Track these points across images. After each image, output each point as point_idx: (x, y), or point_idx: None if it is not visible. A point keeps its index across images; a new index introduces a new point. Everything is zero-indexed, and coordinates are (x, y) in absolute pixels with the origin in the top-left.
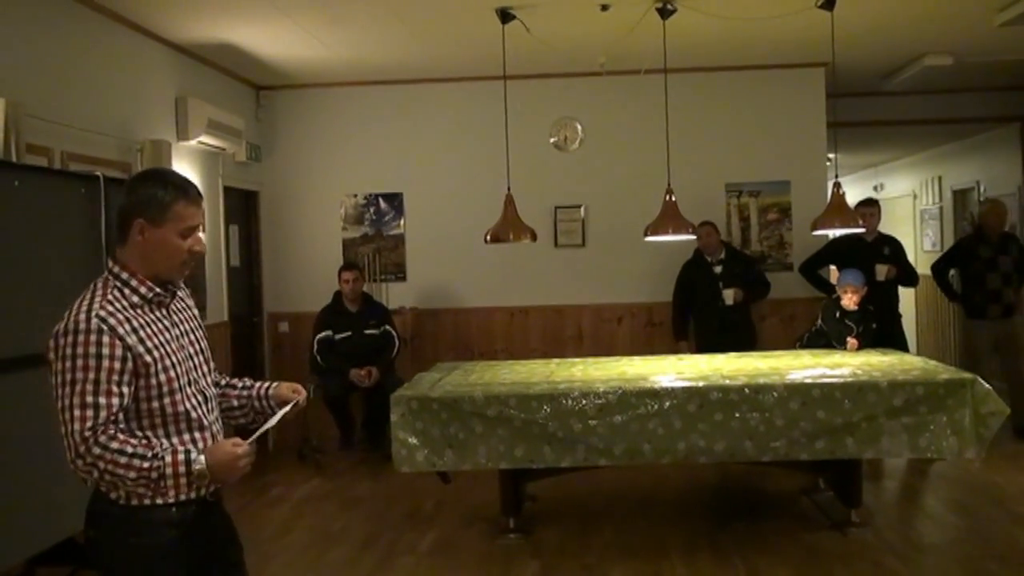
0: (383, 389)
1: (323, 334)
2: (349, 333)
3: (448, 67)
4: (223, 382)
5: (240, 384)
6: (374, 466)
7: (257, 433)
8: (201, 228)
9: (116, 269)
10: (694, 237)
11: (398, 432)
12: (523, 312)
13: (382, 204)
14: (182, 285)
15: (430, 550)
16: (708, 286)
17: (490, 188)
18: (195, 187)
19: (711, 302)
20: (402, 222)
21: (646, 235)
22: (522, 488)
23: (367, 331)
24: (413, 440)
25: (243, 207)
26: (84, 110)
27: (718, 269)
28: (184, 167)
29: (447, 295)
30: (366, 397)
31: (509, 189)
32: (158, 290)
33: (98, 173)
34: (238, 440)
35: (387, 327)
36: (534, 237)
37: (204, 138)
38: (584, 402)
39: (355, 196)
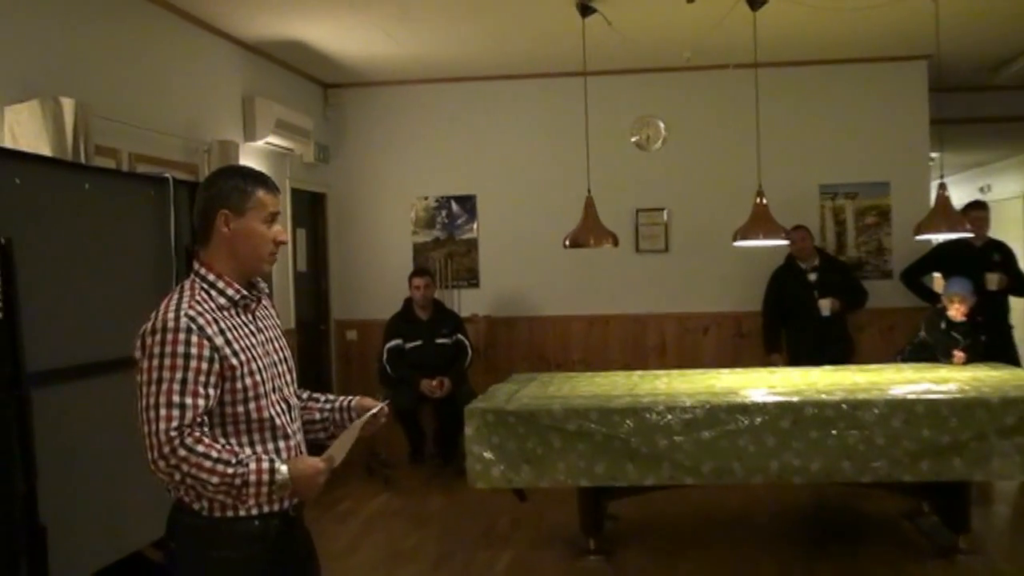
0: (455, 401)
1: (393, 343)
2: (420, 342)
3: (525, 63)
4: (304, 395)
5: (322, 398)
6: (446, 482)
7: (339, 444)
8: (279, 218)
9: (202, 271)
10: (786, 242)
11: (472, 446)
12: (603, 321)
13: (454, 207)
14: (266, 291)
15: (506, 571)
16: (802, 295)
17: (568, 190)
18: (272, 179)
19: (805, 312)
20: (475, 226)
21: (735, 240)
22: (603, 507)
23: (439, 340)
24: (488, 455)
25: (310, 210)
26: (151, 110)
27: (812, 277)
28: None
29: (522, 303)
30: (437, 409)
31: (589, 191)
32: (245, 292)
33: (168, 175)
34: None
35: (459, 336)
36: (615, 242)
37: (272, 139)
38: (669, 417)
39: (426, 198)
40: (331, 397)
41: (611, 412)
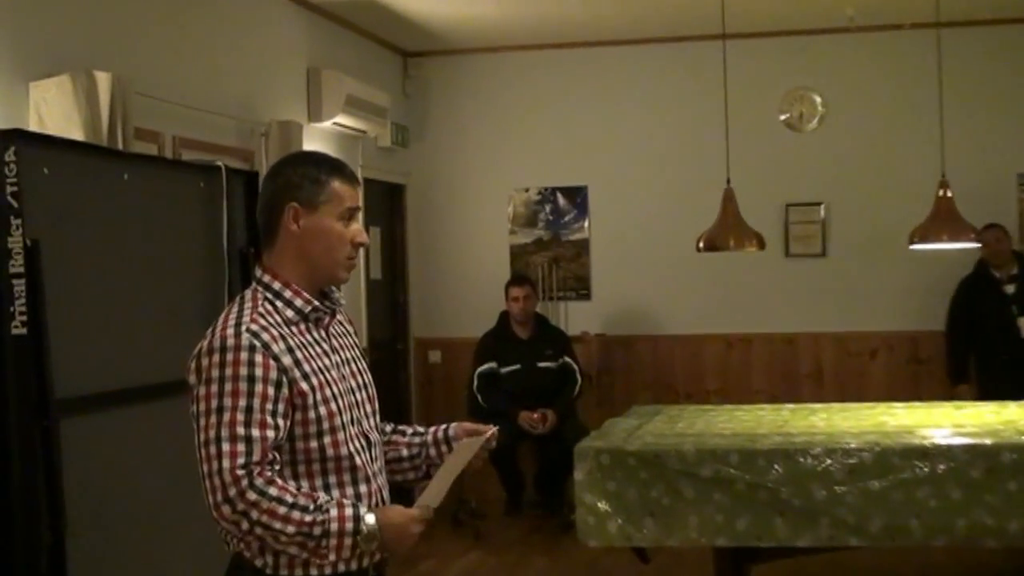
0: (562, 438)
1: (485, 367)
2: (518, 366)
3: (649, 25)
4: (388, 428)
5: (410, 431)
6: (550, 537)
7: (435, 487)
8: (359, 216)
9: (266, 278)
10: (977, 245)
11: (584, 495)
12: (744, 341)
13: (561, 201)
14: (342, 303)
15: None
16: (997, 311)
17: (702, 180)
18: (348, 167)
19: (1001, 332)
20: (586, 224)
21: (912, 242)
22: (745, 572)
23: (541, 363)
24: (603, 505)
25: (386, 204)
26: (200, 86)
27: (1010, 288)
28: None
29: (644, 318)
30: (540, 448)
31: (729, 182)
32: (316, 303)
33: (220, 163)
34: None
35: (567, 359)
36: (761, 244)
37: (341, 118)
38: (829, 462)
39: (527, 191)
40: (420, 429)
41: (756, 455)
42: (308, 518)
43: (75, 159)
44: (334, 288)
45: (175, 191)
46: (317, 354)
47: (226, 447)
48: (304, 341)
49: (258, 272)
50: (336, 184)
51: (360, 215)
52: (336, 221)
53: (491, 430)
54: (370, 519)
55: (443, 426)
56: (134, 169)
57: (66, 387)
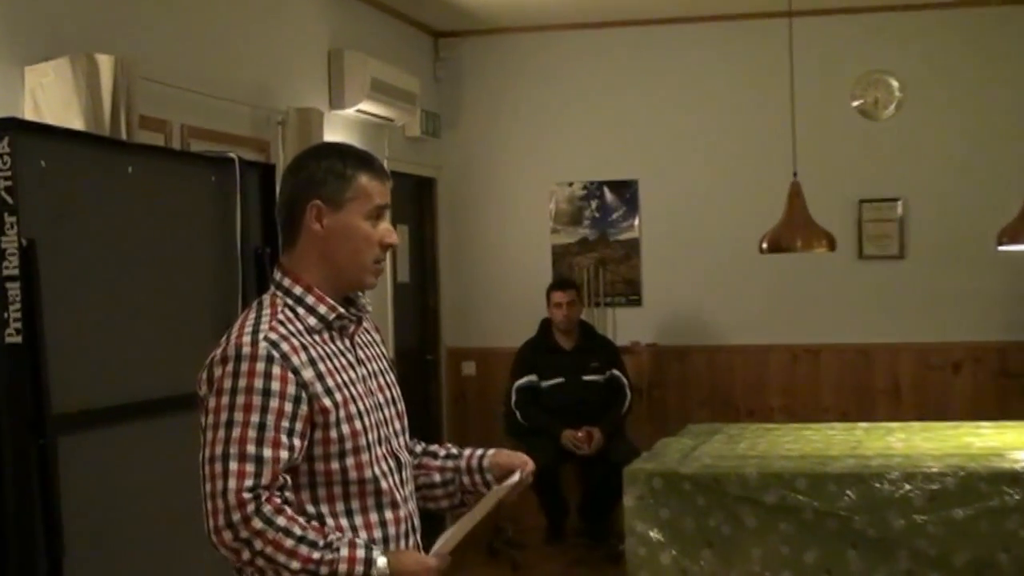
0: (610, 459)
1: (525, 380)
2: (561, 379)
3: (707, 2)
4: (418, 448)
5: (443, 452)
6: (595, 569)
7: (459, 527)
8: (387, 215)
9: (286, 282)
10: None
11: (634, 522)
12: (812, 353)
13: (608, 196)
14: (368, 309)
15: None
16: None
17: (766, 173)
18: (378, 160)
19: None
20: (636, 222)
21: (1000, 243)
22: None
23: (587, 376)
24: (655, 535)
25: (416, 200)
26: (211, 70)
27: None
28: None
29: (701, 327)
30: (585, 470)
31: (796, 175)
32: (341, 310)
33: (233, 154)
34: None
35: (615, 371)
36: (831, 244)
37: (366, 105)
38: (908, 487)
39: (570, 185)
40: (455, 451)
41: (826, 479)
42: (316, 555)
43: (75, 150)
44: (360, 293)
45: (184, 185)
46: (341, 366)
47: (233, 466)
48: (327, 352)
49: (277, 275)
50: (364, 179)
51: (388, 213)
52: (363, 220)
53: (527, 467)
54: (381, 563)
55: (478, 452)
56: (139, 161)
57: (65, 401)
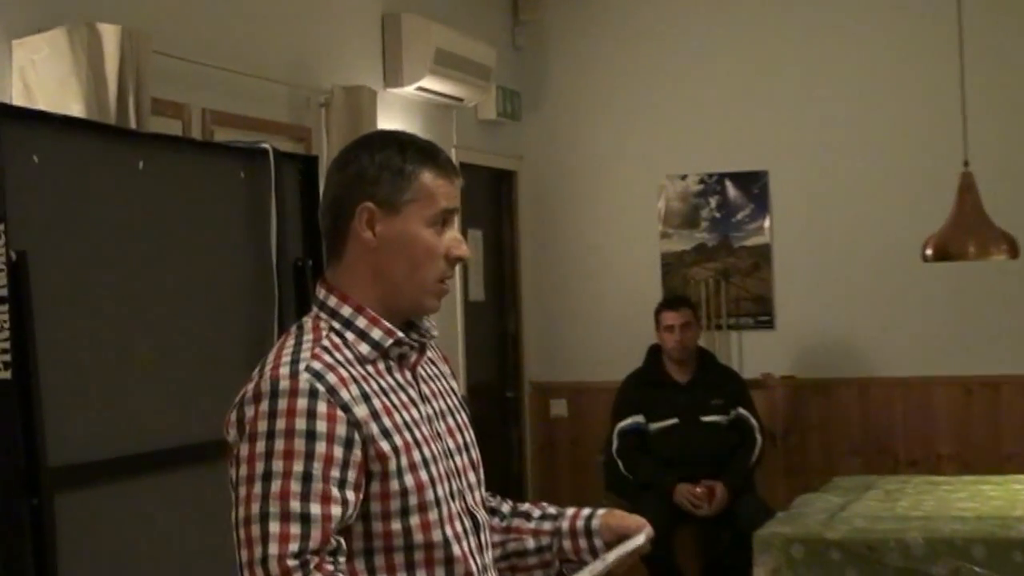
0: (736, 521)
1: (629, 422)
2: (675, 421)
3: None
4: (505, 508)
5: (538, 512)
6: None
7: None
8: (455, 221)
9: (332, 301)
10: None
11: None
12: (990, 387)
13: (731, 192)
14: (434, 334)
15: None
16: None
17: (930, 163)
18: (444, 153)
19: None
20: (766, 223)
21: None
22: None
23: (706, 417)
24: None
25: (491, 199)
26: (237, 42)
27: None
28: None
29: (849, 354)
30: (705, 534)
31: (967, 165)
32: (400, 335)
33: (266, 145)
34: None
35: (741, 411)
36: (1013, 250)
37: (428, 82)
38: None
39: (684, 178)
40: (552, 511)
41: (1010, 547)
42: None
43: (73, 142)
44: (424, 316)
45: (206, 184)
46: (402, 403)
47: (275, 528)
48: (384, 386)
49: (321, 293)
50: (427, 177)
51: (458, 219)
52: (425, 227)
53: (647, 531)
54: None
55: (584, 512)
56: (152, 155)
57: (62, 451)
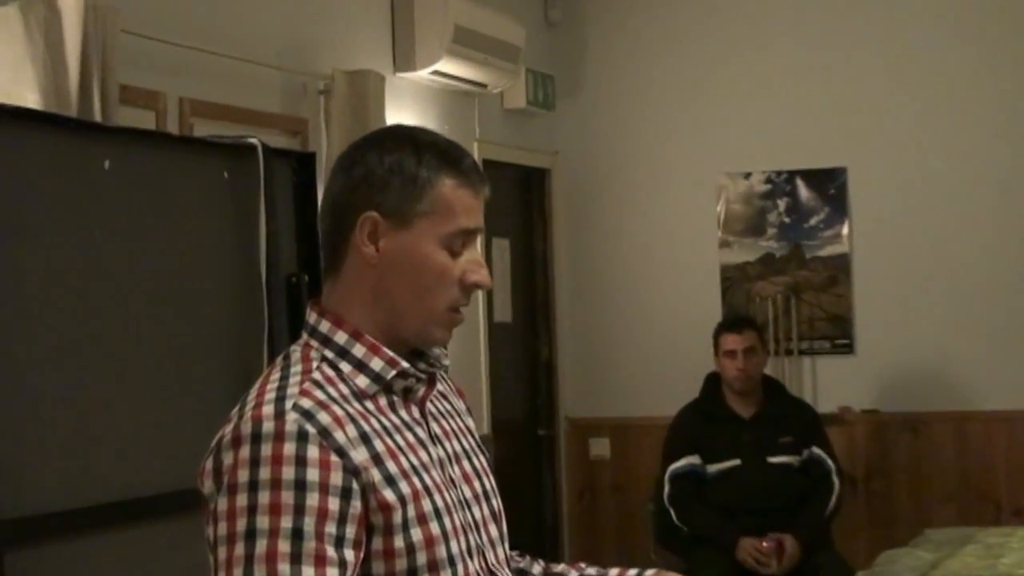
0: None
1: (684, 464)
2: (737, 462)
3: None
4: (536, 569)
5: (575, 574)
6: None
7: None
8: (477, 242)
9: (324, 327)
10: None
11: None
12: None
13: (803, 193)
14: (445, 362)
15: None
16: None
17: None
18: (470, 157)
19: None
20: (845, 230)
21: None
22: None
23: (774, 458)
24: None
25: (521, 202)
26: (220, 20)
27: None
28: (408, 121)
29: (943, 384)
30: None
31: None
32: (404, 365)
33: (254, 140)
34: None
35: (815, 450)
36: None
37: (446, 64)
38: None
39: (747, 177)
40: (592, 571)
41: None
42: None
43: (28, 138)
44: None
45: (184, 186)
46: (408, 445)
47: None
48: (387, 425)
49: (311, 317)
50: (446, 186)
51: (479, 238)
52: (438, 246)
53: None
54: None
55: (631, 573)
56: (119, 151)
57: (14, 502)
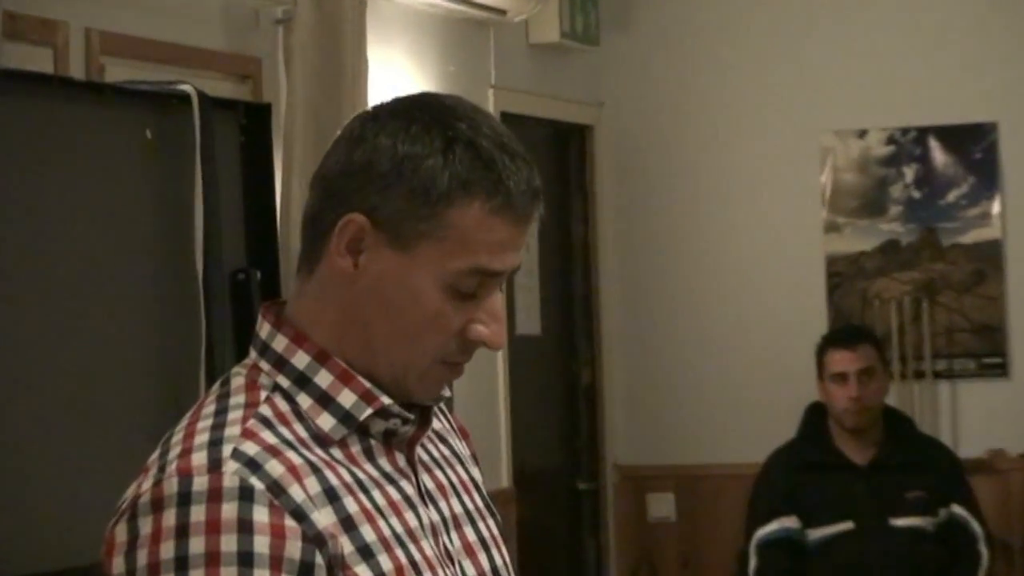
0: None
1: (775, 527)
2: (849, 524)
3: None
4: None
5: None
6: None
7: None
8: (502, 284)
9: (280, 343)
10: None
11: None
12: None
13: (938, 157)
14: (444, 393)
15: None
16: None
17: None
18: (528, 169)
19: None
20: (995, 208)
21: None
22: None
23: (899, 520)
24: None
25: (553, 170)
26: None
27: None
28: (399, 62)
29: None
30: None
31: None
32: (385, 401)
33: (187, 87)
34: None
35: (956, 508)
36: None
37: None
38: None
39: (861, 136)
40: None
41: None
42: None
43: None
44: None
45: (92, 148)
46: (390, 505)
47: None
48: (360, 477)
49: (264, 329)
50: (473, 208)
51: (502, 284)
52: (438, 285)
53: None
54: None
55: None
56: (6, 102)
57: None
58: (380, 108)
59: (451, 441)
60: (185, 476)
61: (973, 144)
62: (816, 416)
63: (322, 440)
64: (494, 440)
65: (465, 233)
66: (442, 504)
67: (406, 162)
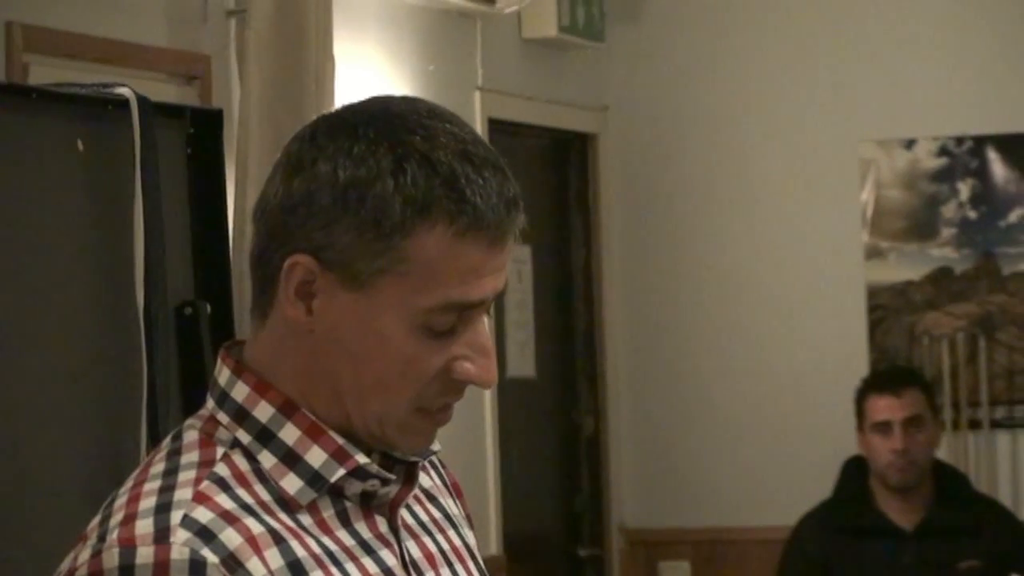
0: None
1: None
2: None
3: None
4: None
5: None
6: None
7: None
8: (488, 311)
9: (240, 391)
10: None
11: None
12: None
13: (997, 171)
14: (435, 448)
15: None
16: None
17: None
18: (500, 176)
19: None
20: None
21: None
22: None
23: None
24: None
25: (550, 185)
26: None
27: None
28: (371, 60)
29: None
30: None
31: None
32: (362, 460)
33: (126, 90)
34: None
35: None
36: None
37: None
38: None
39: (909, 147)
40: None
41: None
42: None
43: None
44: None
45: (14, 160)
46: None
47: None
48: (331, 548)
49: (223, 375)
50: (435, 235)
51: (489, 307)
52: (406, 325)
53: None
54: None
55: None
56: None
57: None
58: (319, 124)
59: (442, 501)
60: (127, 547)
61: None
62: (855, 472)
63: (288, 504)
64: (482, 500)
65: (430, 264)
66: None
67: (350, 190)
